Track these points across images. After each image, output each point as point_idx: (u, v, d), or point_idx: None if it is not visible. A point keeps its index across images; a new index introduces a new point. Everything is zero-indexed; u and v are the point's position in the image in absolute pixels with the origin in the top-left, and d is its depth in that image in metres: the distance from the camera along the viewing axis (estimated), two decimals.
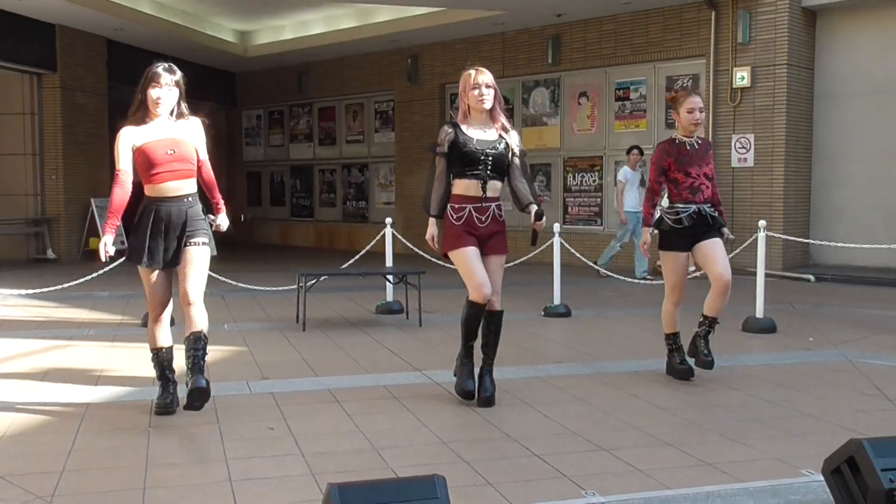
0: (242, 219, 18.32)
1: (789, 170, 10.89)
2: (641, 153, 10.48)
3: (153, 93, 3.99)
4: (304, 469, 3.34)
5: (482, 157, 4.21)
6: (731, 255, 8.68)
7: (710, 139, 11.09)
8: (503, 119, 4.33)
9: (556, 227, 7.65)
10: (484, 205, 4.26)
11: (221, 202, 4.31)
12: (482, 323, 4.34)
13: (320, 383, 4.85)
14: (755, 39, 10.87)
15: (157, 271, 4.04)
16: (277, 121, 17.72)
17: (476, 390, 4.35)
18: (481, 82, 4.22)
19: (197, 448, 3.65)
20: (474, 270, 4.20)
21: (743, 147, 10.98)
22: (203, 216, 4.11)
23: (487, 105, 4.24)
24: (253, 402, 4.41)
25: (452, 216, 4.28)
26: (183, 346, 3.99)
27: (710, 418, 4.12)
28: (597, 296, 9.09)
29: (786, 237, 8.39)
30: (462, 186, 4.28)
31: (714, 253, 4.67)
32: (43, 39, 12.66)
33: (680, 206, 4.67)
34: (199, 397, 3.84)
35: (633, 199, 10.25)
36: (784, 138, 10.74)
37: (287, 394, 4.59)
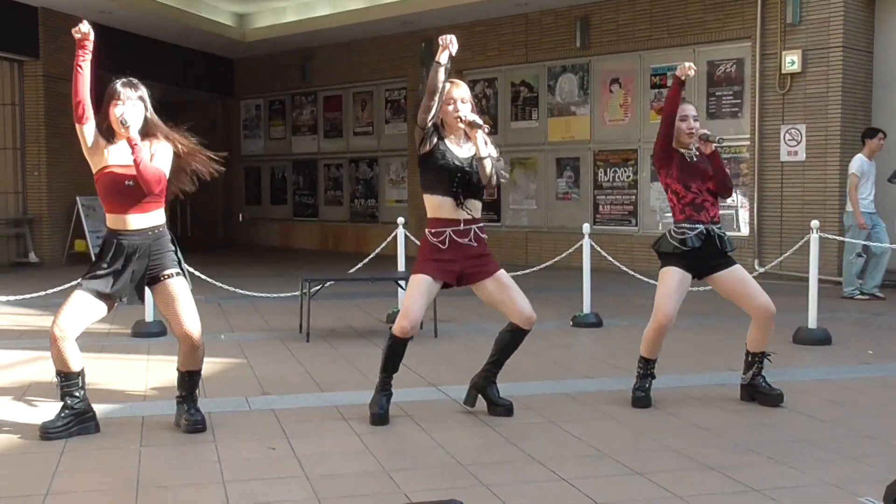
0: (241, 218, 18.43)
1: (845, 164, 10.79)
2: (884, 137, 9.39)
3: (115, 111, 4.03)
4: (308, 493, 3.35)
5: (458, 175, 4.23)
6: (780, 259, 8.62)
7: (757, 129, 11.06)
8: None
9: (586, 227, 7.64)
10: (464, 227, 4.29)
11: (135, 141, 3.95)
12: (506, 337, 4.45)
13: (326, 399, 4.87)
14: (806, 20, 10.80)
15: (88, 294, 4.01)
16: (279, 111, 17.83)
17: (493, 402, 4.51)
18: (456, 97, 4.27)
19: (191, 469, 3.67)
20: (414, 302, 4.22)
21: (793, 139, 10.91)
22: (172, 247, 4.16)
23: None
24: (252, 420, 4.44)
25: (432, 239, 4.31)
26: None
27: (756, 439, 4.10)
28: (630, 304, 9.04)
29: (841, 239, 8.31)
30: (435, 207, 4.32)
31: (746, 285, 4.59)
32: (24, 24, 12.80)
33: (686, 225, 4.60)
34: (199, 430, 4.16)
35: (869, 196, 9.16)
36: (839, 129, 10.65)
37: (290, 410, 4.62)
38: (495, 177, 4.23)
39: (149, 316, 6.93)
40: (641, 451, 3.89)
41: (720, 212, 4.75)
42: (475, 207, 4.34)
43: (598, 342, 6.92)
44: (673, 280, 4.61)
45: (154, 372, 5.61)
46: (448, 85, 4.27)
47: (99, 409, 4.60)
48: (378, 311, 8.23)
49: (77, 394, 4.08)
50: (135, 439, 4.07)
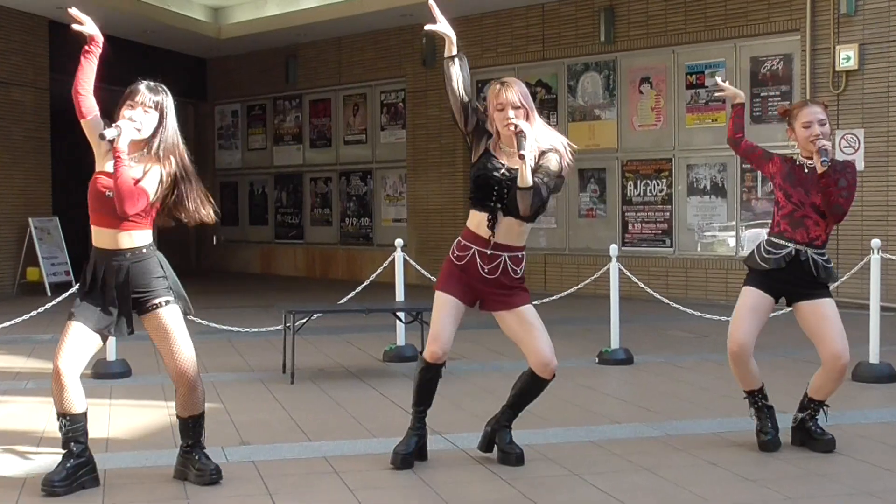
0: (215, 241, 18.50)
1: None
2: None
3: (125, 112, 4.10)
4: None
5: (496, 188, 4.25)
6: (837, 284, 8.60)
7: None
8: (540, 144, 4.28)
9: (614, 249, 7.66)
10: (492, 252, 4.30)
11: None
12: (525, 380, 4.47)
13: (314, 449, 4.89)
14: (863, 9, 10.88)
15: (82, 325, 4.09)
16: (258, 118, 17.95)
17: (502, 448, 4.54)
18: (506, 102, 4.25)
19: None
20: (442, 324, 4.33)
21: (849, 146, 10.95)
22: (161, 273, 4.19)
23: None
24: (230, 473, 4.43)
25: (455, 253, 4.39)
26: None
27: (810, 492, 4.10)
28: (665, 337, 9.05)
29: None
30: (475, 220, 4.37)
31: (825, 324, 4.63)
32: None
33: (777, 241, 4.68)
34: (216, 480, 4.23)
35: None
36: None
37: (272, 463, 4.63)
38: (531, 208, 4.19)
39: (111, 355, 6.96)
40: None
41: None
42: (508, 230, 4.29)
43: (628, 382, 6.92)
44: (746, 302, 4.69)
45: (117, 418, 5.63)
46: (499, 86, 4.30)
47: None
48: (373, 347, 8.25)
49: (82, 440, 4.14)
50: (96, 495, 4.08)
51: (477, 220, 4.35)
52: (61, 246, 13.75)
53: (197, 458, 4.28)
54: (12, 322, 7.56)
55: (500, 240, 4.31)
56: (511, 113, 4.23)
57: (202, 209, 4.32)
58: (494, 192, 4.27)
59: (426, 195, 14.75)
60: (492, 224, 4.29)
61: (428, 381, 4.46)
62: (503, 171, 4.26)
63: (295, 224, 17.44)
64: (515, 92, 4.25)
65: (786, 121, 4.89)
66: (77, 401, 4.08)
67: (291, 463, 4.65)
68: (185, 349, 4.18)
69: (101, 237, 4.14)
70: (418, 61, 14.87)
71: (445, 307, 4.35)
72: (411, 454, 4.47)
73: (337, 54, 16.21)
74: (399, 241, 8.06)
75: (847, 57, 10.87)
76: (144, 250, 4.17)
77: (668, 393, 6.40)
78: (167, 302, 4.18)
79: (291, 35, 15.74)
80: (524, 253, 4.42)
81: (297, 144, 17.34)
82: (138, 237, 4.16)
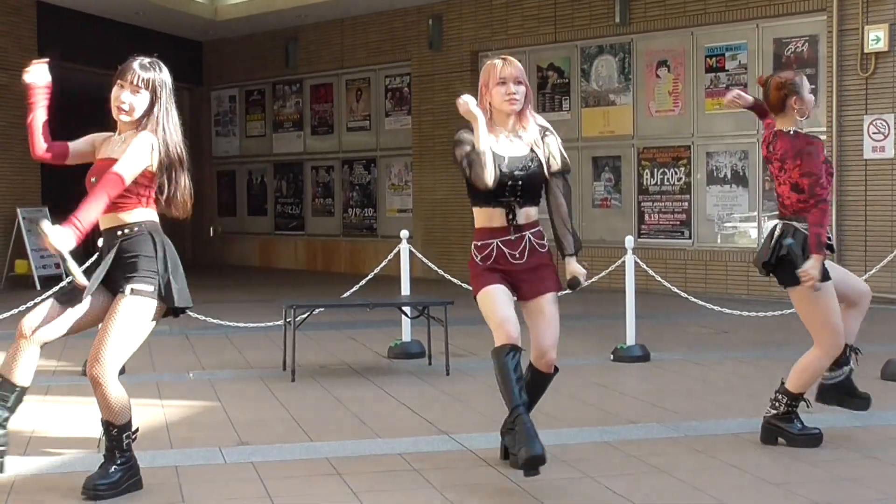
0: (212, 232, 18.53)
1: None
2: None
3: (114, 91, 4.07)
4: None
5: (509, 183, 4.29)
6: (865, 277, 8.57)
7: (835, 120, 11.07)
8: (535, 120, 4.42)
9: (629, 241, 7.65)
10: (515, 237, 4.33)
11: (76, 219, 3.92)
12: (528, 375, 4.35)
13: (316, 450, 4.89)
14: None
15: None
16: (257, 103, 17.96)
17: (512, 451, 4.32)
18: (508, 76, 4.30)
19: None
20: (497, 308, 4.24)
21: (879, 132, 10.91)
22: (150, 253, 4.05)
23: (517, 107, 4.34)
24: (228, 475, 4.46)
25: (476, 256, 4.37)
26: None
27: (839, 497, 4.09)
28: (684, 333, 9.03)
29: None
30: (484, 217, 4.37)
31: (845, 272, 4.98)
32: None
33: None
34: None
35: None
36: None
37: (272, 464, 4.63)
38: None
39: None
40: None
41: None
42: (527, 214, 4.38)
43: (645, 380, 6.91)
44: (835, 301, 4.73)
45: None
46: (500, 62, 4.33)
47: (45, 463, 4.63)
48: (377, 343, 8.25)
49: (4, 412, 4.09)
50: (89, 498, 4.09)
51: (488, 216, 4.36)
52: None
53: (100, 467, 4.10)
54: (1, 316, 7.57)
55: (520, 222, 4.36)
56: (513, 87, 4.29)
57: (176, 206, 4.23)
58: (507, 189, 4.30)
59: (433, 184, 14.74)
60: (511, 218, 4.33)
61: (511, 370, 4.12)
62: (508, 166, 4.27)
63: (295, 215, 17.46)
64: (517, 68, 4.35)
65: (782, 92, 4.77)
66: (21, 370, 4.04)
67: (292, 464, 4.64)
68: (110, 347, 3.94)
69: (101, 219, 4.09)
70: (424, 44, 14.85)
71: (497, 296, 4.27)
72: (543, 449, 4.10)
73: (339, 37, 16.19)
74: (404, 233, 8.05)
75: (877, 38, 10.81)
76: (136, 228, 4.08)
77: (687, 391, 6.39)
78: (133, 291, 3.98)
79: (291, 16, 15.75)
80: (539, 227, 4.45)
81: (297, 131, 17.35)
82: (132, 215, 4.09)
